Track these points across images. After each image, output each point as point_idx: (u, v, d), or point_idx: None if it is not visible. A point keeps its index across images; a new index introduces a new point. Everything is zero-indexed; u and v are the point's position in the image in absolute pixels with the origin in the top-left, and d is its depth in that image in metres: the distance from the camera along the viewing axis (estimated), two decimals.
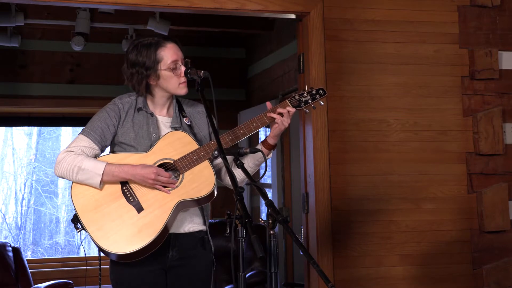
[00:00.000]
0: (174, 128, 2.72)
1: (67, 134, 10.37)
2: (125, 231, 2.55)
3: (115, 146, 2.72)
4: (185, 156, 2.61)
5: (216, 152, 2.52)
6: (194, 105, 2.85)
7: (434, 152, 3.81)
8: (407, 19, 3.85)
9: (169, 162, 2.63)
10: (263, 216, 6.17)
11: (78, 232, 2.60)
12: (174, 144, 2.64)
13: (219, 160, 2.70)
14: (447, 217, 3.79)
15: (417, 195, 3.76)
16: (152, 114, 2.72)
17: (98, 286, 2.75)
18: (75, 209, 2.59)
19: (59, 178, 10.12)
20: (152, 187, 2.58)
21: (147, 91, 2.71)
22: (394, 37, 3.82)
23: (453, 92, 3.88)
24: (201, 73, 2.59)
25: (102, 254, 2.63)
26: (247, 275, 5.32)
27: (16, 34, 5.91)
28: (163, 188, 2.58)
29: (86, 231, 2.57)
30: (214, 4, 3.54)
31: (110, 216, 2.57)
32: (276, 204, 5.43)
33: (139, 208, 2.58)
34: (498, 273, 3.81)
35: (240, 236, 2.20)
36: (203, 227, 2.77)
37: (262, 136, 6.85)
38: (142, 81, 2.66)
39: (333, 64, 3.71)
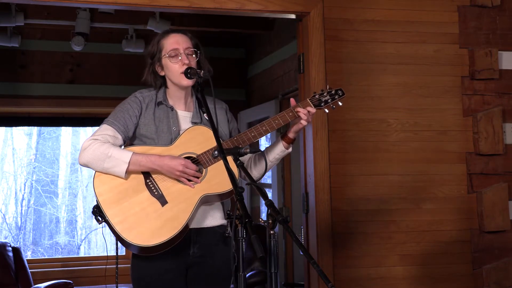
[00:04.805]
0: (194, 123, 2.74)
1: (67, 134, 10.37)
2: (149, 224, 2.55)
3: (135, 139, 2.73)
4: (208, 150, 2.63)
5: (216, 152, 2.52)
6: (216, 101, 2.85)
7: (434, 152, 3.81)
8: (407, 19, 3.85)
9: (192, 156, 2.64)
10: (263, 216, 6.16)
11: (99, 224, 2.58)
12: (196, 138, 2.66)
13: (246, 157, 2.79)
14: (447, 217, 3.79)
15: (417, 195, 3.75)
16: (172, 108, 2.74)
17: (95, 286, 2.75)
18: (97, 200, 2.57)
19: (59, 178, 10.23)
20: (176, 180, 2.59)
21: (163, 84, 2.76)
22: (394, 37, 3.82)
23: (453, 92, 3.88)
24: (201, 73, 2.60)
25: (119, 254, 2.61)
26: (247, 275, 5.31)
27: (16, 34, 5.91)
28: (188, 182, 2.59)
29: (109, 222, 2.55)
30: (214, 4, 3.54)
31: (133, 208, 2.57)
32: (276, 204, 5.43)
33: (163, 201, 2.58)
34: (498, 273, 3.81)
35: (240, 236, 2.20)
36: (223, 221, 2.77)
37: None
38: (150, 69, 2.75)
39: (333, 64, 3.71)
